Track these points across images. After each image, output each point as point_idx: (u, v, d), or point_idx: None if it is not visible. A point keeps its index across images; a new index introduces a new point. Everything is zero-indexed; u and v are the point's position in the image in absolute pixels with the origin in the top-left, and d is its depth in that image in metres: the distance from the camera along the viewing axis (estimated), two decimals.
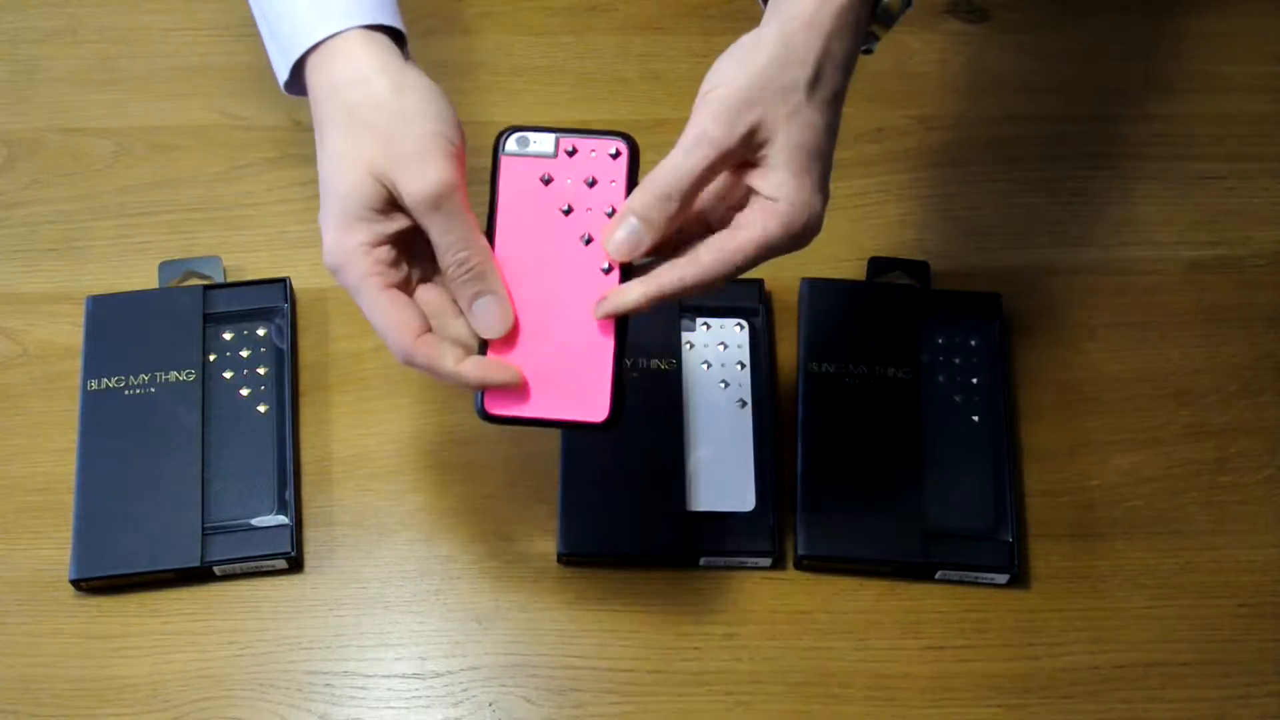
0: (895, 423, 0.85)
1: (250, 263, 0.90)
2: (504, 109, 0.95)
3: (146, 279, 0.89)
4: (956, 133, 0.96)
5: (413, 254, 0.70)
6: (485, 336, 0.69)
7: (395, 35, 0.72)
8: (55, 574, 0.81)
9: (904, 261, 0.90)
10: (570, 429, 0.68)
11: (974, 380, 0.86)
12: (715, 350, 0.87)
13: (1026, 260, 0.92)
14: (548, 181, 0.68)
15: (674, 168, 0.66)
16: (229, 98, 0.95)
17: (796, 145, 0.67)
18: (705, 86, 0.67)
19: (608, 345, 0.68)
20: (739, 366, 0.86)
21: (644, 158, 0.69)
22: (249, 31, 0.97)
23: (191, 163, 0.93)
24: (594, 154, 0.68)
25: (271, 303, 0.87)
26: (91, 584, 0.81)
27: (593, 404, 0.68)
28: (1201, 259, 0.92)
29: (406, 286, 0.70)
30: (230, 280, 0.89)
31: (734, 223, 0.68)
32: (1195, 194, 0.94)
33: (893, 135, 0.96)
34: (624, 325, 0.68)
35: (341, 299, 0.89)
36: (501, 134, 0.69)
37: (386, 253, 0.69)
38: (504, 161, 0.69)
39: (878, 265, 0.90)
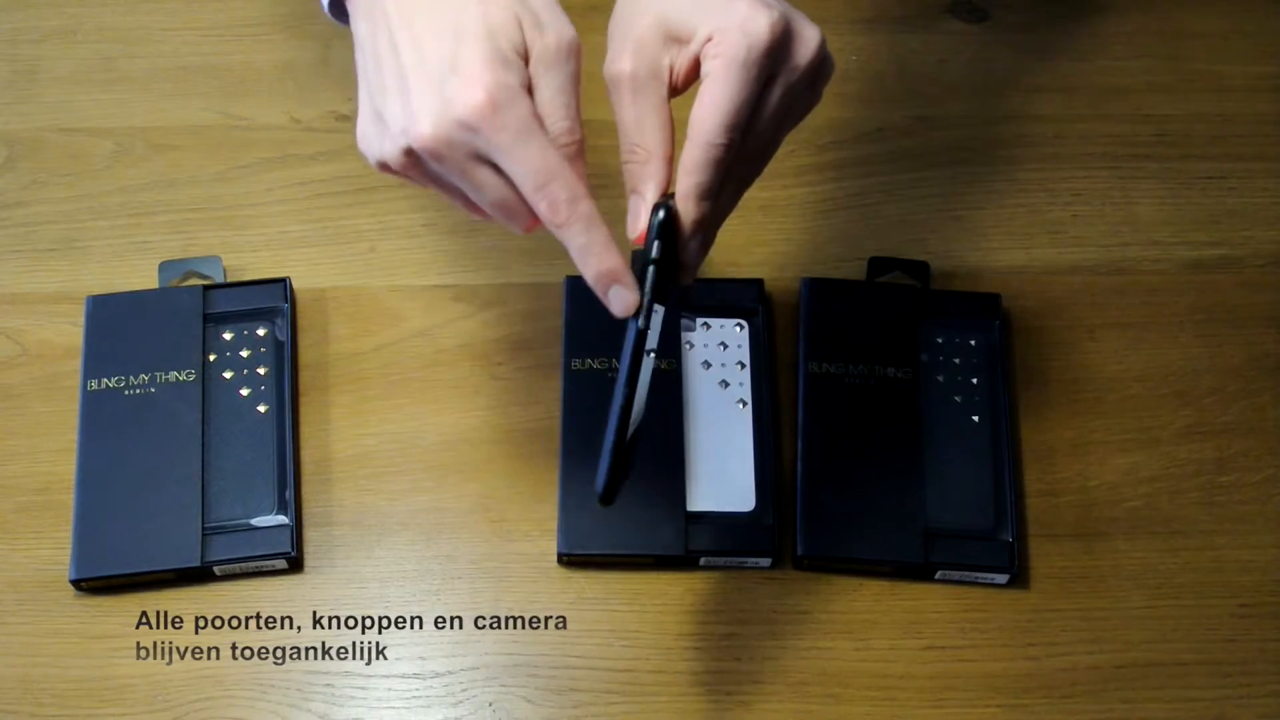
0: (895, 423, 0.85)
1: (250, 263, 0.90)
2: None
3: (146, 279, 0.89)
4: (956, 133, 0.96)
5: None
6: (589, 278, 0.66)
7: None
8: (55, 574, 0.81)
9: (904, 261, 0.90)
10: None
11: (974, 380, 0.86)
12: (715, 350, 0.87)
13: (1026, 260, 0.92)
14: None
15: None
16: (229, 98, 0.95)
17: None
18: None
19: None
20: (739, 366, 0.86)
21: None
22: (249, 32, 0.98)
23: (191, 163, 0.93)
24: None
25: (271, 303, 0.87)
26: (91, 584, 0.81)
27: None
28: (1201, 259, 0.92)
29: None
30: (230, 280, 0.89)
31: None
32: (1195, 194, 0.94)
33: (893, 135, 0.96)
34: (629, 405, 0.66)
35: (342, 299, 0.89)
36: None
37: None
38: None
39: (878, 265, 0.90)
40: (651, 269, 0.66)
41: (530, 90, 0.64)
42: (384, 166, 0.67)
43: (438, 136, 0.64)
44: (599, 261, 0.65)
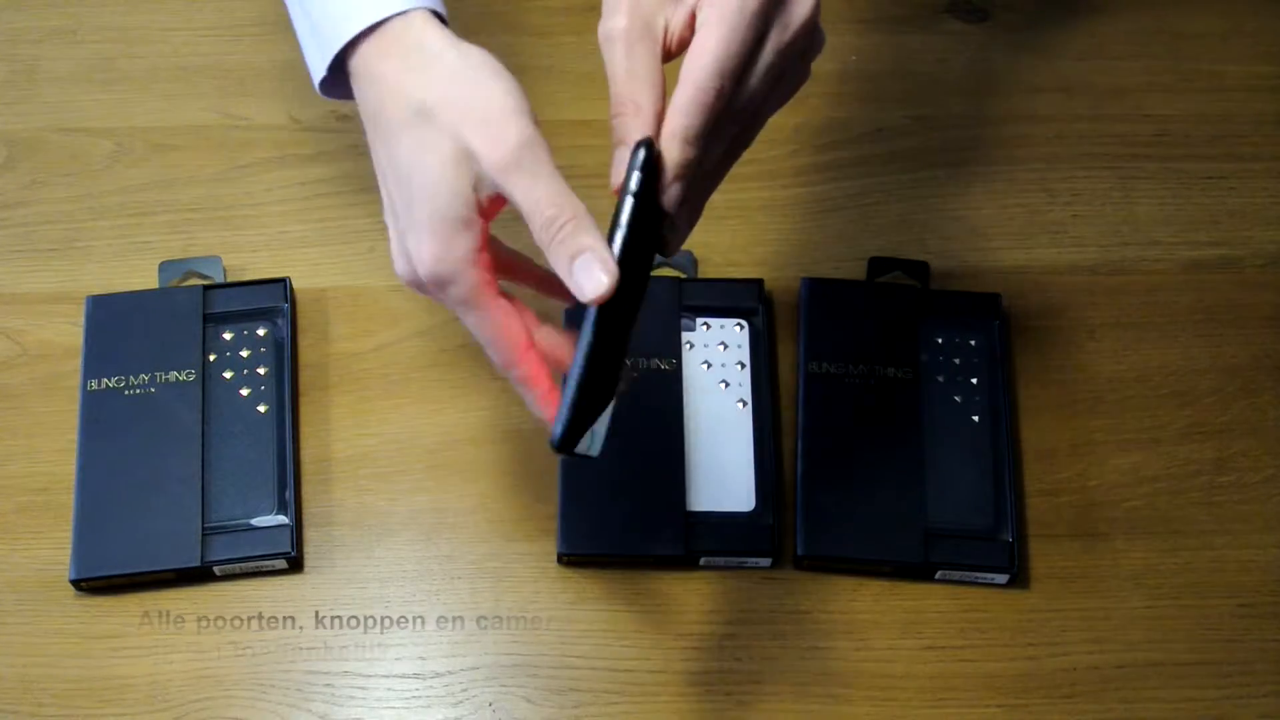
0: (895, 423, 0.85)
1: (250, 263, 0.90)
2: None
3: (146, 279, 0.89)
4: (956, 133, 0.96)
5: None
6: (589, 299, 0.62)
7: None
8: (55, 574, 0.81)
9: (904, 261, 0.90)
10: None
11: (974, 380, 0.86)
12: (715, 350, 0.87)
13: (1026, 260, 0.92)
14: None
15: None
16: (229, 98, 0.95)
17: None
18: None
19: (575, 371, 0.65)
20: (739, 366, 0.86)
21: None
22: (249, 32, 0.98)
23: (191, 163, 0.93)
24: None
25: (271, 303, 0.87)
26: (91, 584, 0.81)
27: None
28: (1201, 259, 0.92)
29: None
30: (230, 280, 0.89)
31: None
32: (1195, 194, 0.94)
33: (893, 135, 0.96)
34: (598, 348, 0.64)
35: (341, 299, 0.89)
36: None
37: (487, 257, 0.66)
38: None
39: (878, 265, 0.90)
40: (630, 200, 0.64)
41: (484, 245, 0.66)
42: None
43: (410, 283, 0.69)
44: (536, 409, 0.69)
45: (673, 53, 0.67)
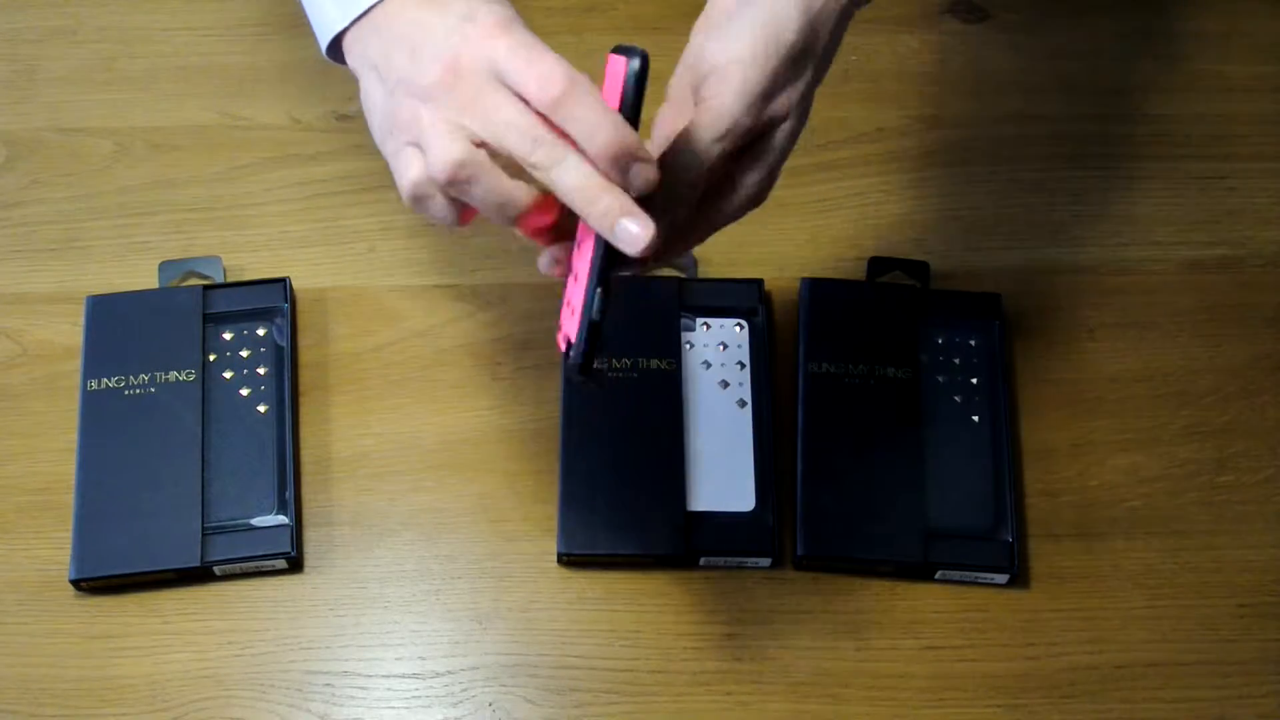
0: (895, 423, 0.85)
1: (250, 263, 0.90)
2: None
3: (146, 279, 0.89)
4: (956, 133, 0.96)
5: None
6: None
7: None
8: (55, 574, 0.81)
9: (904, 261, 0.90)
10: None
11: (974, 380, 0.86)
12: (715, 350, 0.87)
13: (1026, 260, 0.92)
14: None
15: (701, 153, 0.66)
16: (229, 98, 0.95)
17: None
18: (719, 55, 0.67)
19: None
20: (739, 366, 0.86)
21: None
22: (249, 32, 0.98)
23: (191, 163, 0.93)
24: None
25: (271, 303, 0.87)
26: (91, 584, 0.81)
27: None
28: (1201, 259, 0.92)
29: None
30: (230, 280, 0.89)
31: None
32: (1195, 194, 0.94)
33: (893, 135, 0.96)
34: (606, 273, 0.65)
35: (342, 299, 0.89)
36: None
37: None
38: None
39: (878, 265, 0.90)
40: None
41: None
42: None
43: (418, 196, 0.67)
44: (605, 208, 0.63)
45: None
